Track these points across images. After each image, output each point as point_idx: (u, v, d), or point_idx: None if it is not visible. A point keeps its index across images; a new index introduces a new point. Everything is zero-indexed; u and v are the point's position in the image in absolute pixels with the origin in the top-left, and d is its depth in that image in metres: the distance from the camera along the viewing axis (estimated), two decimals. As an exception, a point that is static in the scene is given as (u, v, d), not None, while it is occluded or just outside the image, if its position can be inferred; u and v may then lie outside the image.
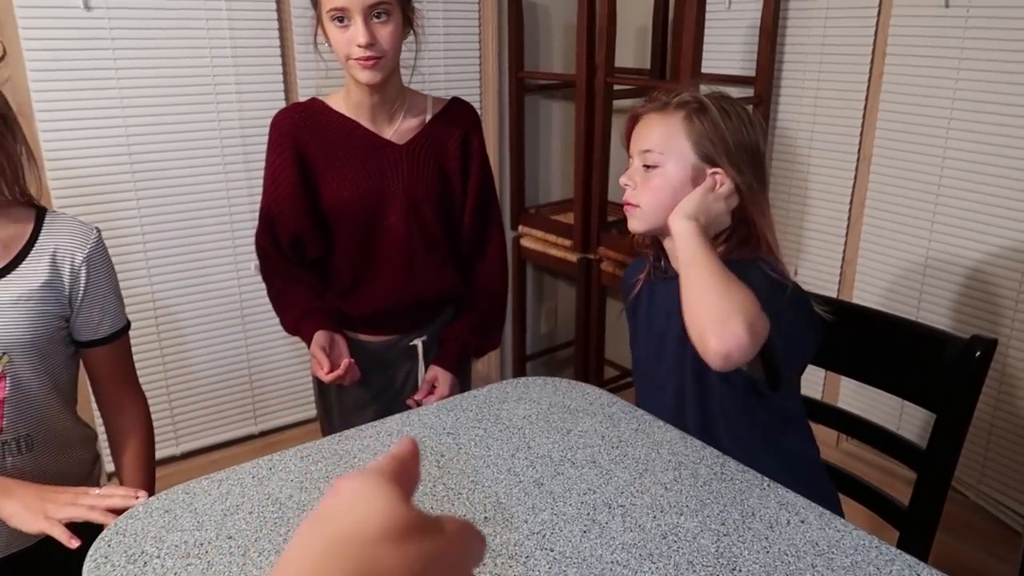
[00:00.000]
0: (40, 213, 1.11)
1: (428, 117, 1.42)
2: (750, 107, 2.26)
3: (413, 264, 1.43)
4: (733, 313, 0.93)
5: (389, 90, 1.36)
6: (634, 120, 1.17)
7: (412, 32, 1.36)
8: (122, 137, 1.94)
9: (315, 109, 1.40)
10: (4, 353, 1.04)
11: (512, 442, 1.04)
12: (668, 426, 1.07)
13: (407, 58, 1.38)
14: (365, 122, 1.38)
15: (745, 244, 1.12)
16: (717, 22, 2.29)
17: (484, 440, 1.04)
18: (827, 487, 1.19)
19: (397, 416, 1.11)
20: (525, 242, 2.60)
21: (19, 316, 1.05)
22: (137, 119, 1.95)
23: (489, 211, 1.51)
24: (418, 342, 1.50)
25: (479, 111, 2.49)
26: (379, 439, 1.05)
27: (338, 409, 1.55)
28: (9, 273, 1.05)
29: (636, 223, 1.14)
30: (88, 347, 1.15)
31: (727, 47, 2.36)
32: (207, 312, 2.15)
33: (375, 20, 1.25)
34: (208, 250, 2.12)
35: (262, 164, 1.45)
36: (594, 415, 1.11)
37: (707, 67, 2.14)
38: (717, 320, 0.94)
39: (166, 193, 2.02)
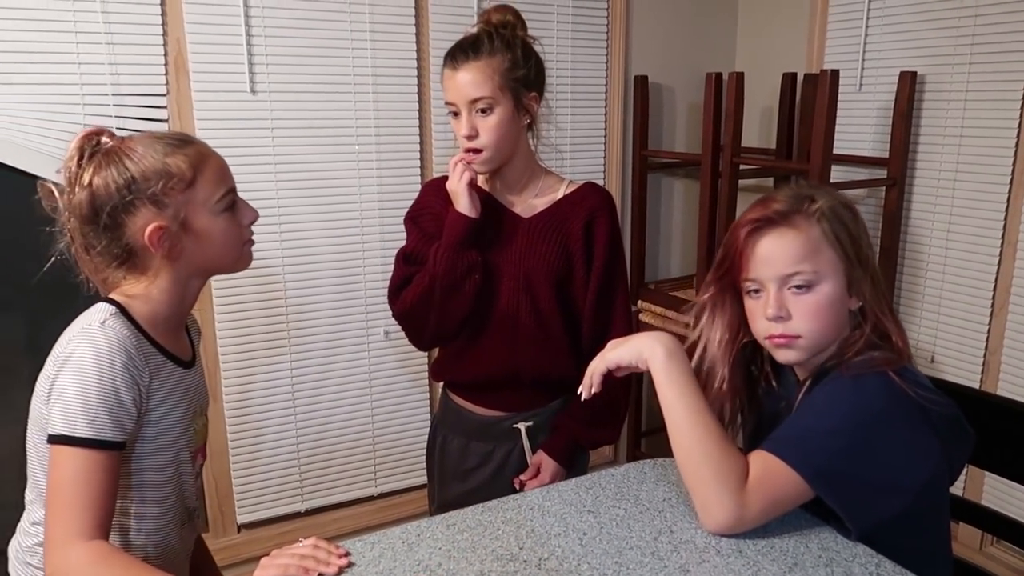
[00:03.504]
0: None
1: (559, 197, 1.44)
2: (882, 189, 2.22)
3: (518, 336, 1.42)
4: (712, 497, 0.97)
5: (511, 173, 1.42)
6: (750, 237, 1.05)
7: (530, 117, 1.38)
8: (274, 211, 2.09)
9: None
10: (208, 421, 1.20)
11: (654, 525, 1.03)
12: (816, 519, 1.04)
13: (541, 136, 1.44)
14: (498, 195, 1.44)
15: (875, 348, 1.03)
16: (847, 103, 2.28)
17: (625, 521, 1.04)
18: None
19: (537, 491, 1.12)
20: (644, 317, 2.59)
21: (205, 386, 1.21)
22: (288, 192, 2.10)
23: (613, 299, 1.46)
24: (522, 425, 1.48)
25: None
26: (520, 512, 1.06)
27: (439, 473, 1.59)
28: (196, 353, 1.19)
29: (796, 354, 1.05)
30: None
31: (858, 128, 2.33)
32: (338, 378, 2.25)
33: (478, 114, 1.31)
34: (343, 321, 2.23)
35: (396, 240, 1.54)
36: (736, 502, 1.09)
37: (837, 148, 2.12)
38: (699, 503, 1.00)
39: (309, 263, 2.16)
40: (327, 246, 2.18)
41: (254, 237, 1.17)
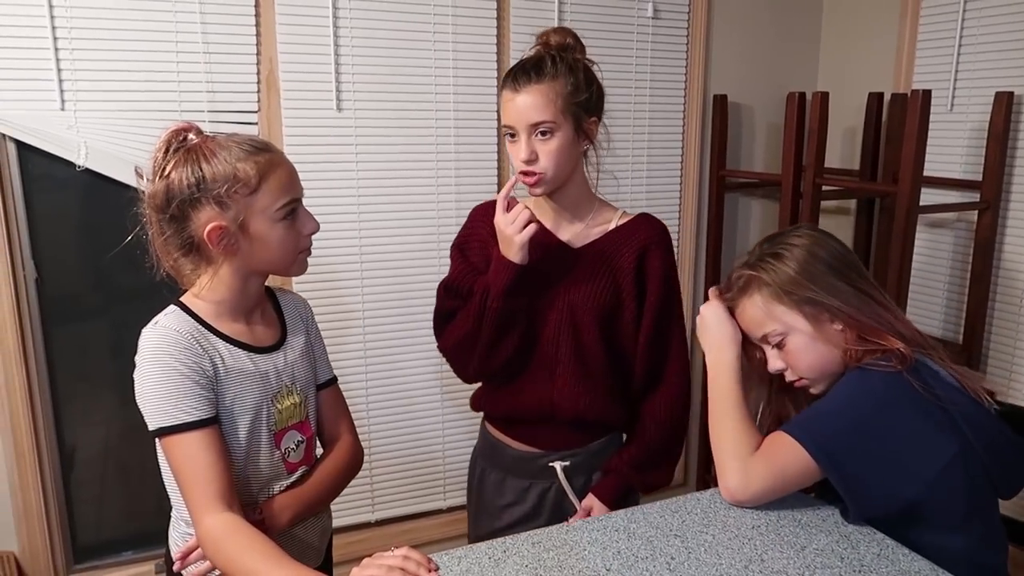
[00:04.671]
0: (268, 290, 1.27)
1: (611, 228, 1.37)
2: (974, 213, 2.14)
3: (557, 370, 1.35)
4: (726, 464, 1.12)
5: (564, 199, 1.35)
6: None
7: (589, 143, 1.32)
8: (355, 224, 2.14)
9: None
10: (306, 397, 1.23)
11: (744, 552, 1.01)
12: (914, 555, 1.00)
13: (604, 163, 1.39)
14: (547, 223, 1.36)
15: (878, 353, 1.12)
16: (938, 124, 2.21)
17: (714, 547, 1.02)
18: None
19: (622, 512, 1.11)
20: (718, 339, 2.55)
21: (305, 365, 1.24)
22: (369, 206, 2.15)
23: (669, 339, 1.37)
24: (558, 464, 1.41)
25: (677, 207, 2.53)
26: (606, 533, 1.06)
27: (475, 507, 1.54)
28: (287, 336, 1.23)
29: (816, 390, 1.19)
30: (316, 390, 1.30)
31: (948, 149, 2.26)
32: (411, 391, 2.28)
33: (538, 137, 1.25)
34: (417, 335, 2.25)
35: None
36: (829, 532, 1.06)
37: (926, 170, 2.05)
38: (718, 471, 1.14)
39: (387, 277, 2.20)
40: (405, 260, 2.21)
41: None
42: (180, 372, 1.05)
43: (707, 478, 2.69)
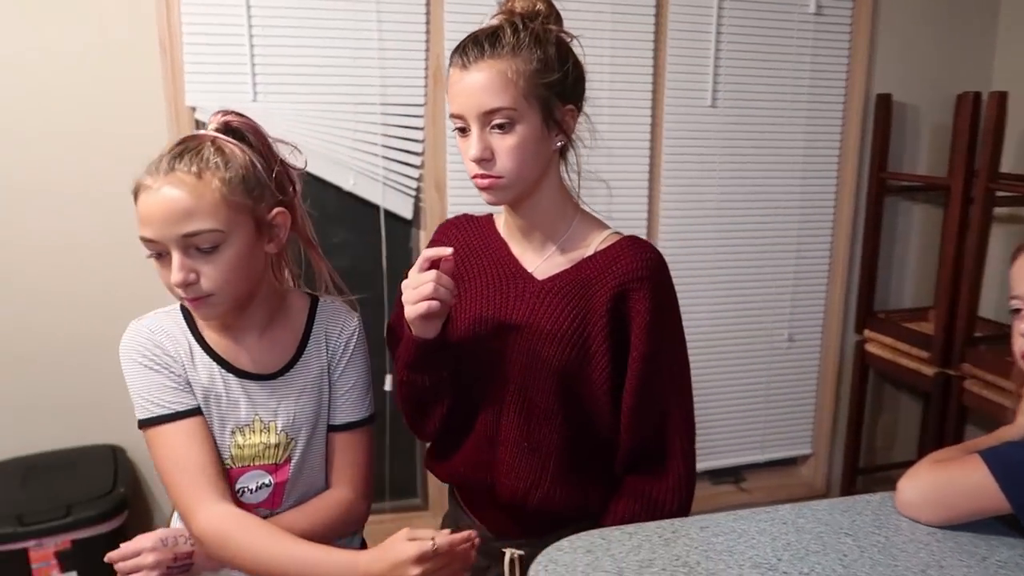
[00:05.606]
0: (313, 300, 1.12)
1: (588, 254, 1.06)
2: None
3: (498, 437, 1.07)
4: (917, 481, 1.04)
5: (533, 213, 1.06)
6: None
7: (564, 137, 1.03)
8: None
9: (478, 224, 1.16)
10: (292, 440, 1.06)
11: (920, 557, 0.99)
12: (1113, 576, 0.95)
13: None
14: (514, 245, 1.10)
15: None
16: None
17: (888, 548, 1.01)
18: None
19: (789, 506, 1.11)
20: (870, 347, 2.46)
21: (305, 403, 1.07)
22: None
23: (665, 406, 1.06)
24: (508, 552, 1.11)
25: (832, 210, 2.46)
26: (774, 524, 1.06)
27: None
28: (293, 367, 1.07)
29: None
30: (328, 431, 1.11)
31: None
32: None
33: (494, 131, 0.97)
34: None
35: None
36: (1013, 546, 1.02)
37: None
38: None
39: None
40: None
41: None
42: (145, 366, 0.99)
43: (851, 491, 2.60)
